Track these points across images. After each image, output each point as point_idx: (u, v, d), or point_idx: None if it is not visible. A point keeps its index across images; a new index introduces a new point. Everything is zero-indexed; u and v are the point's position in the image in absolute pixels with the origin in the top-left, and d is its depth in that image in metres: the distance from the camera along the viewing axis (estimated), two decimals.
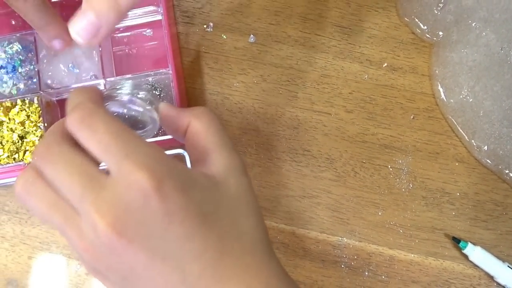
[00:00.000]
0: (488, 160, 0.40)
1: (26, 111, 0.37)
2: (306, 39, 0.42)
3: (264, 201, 0.41)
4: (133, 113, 0.28)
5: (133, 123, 0.28)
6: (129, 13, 0.34)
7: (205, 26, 0.43)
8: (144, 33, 0.42)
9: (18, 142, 0.36)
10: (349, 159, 0.41)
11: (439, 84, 0.41)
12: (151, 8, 0.40)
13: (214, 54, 0.42)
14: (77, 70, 0.40)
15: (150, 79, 0.40)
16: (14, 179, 0.38)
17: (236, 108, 0.42)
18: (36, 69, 0.39)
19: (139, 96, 0.28)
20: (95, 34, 0.27)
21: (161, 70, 0.39)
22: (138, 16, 0.40)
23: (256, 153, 0.41)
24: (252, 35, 0.43)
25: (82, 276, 0.40)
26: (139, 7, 0.40)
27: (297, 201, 0.41)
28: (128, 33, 0.42)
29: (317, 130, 0.41)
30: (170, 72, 0.38)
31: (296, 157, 0.41)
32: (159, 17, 0.40)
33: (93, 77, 0.40)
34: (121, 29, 0.41)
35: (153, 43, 0.42)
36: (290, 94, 0.42)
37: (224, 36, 0.43)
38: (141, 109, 0.28)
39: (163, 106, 0.28)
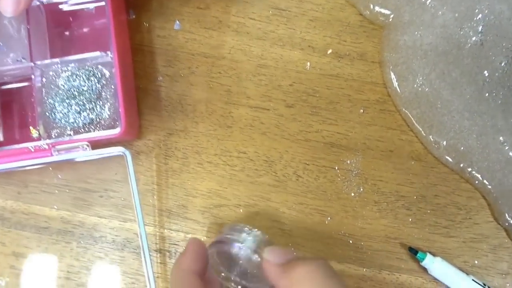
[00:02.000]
0: (448, 158, 0.35)
1: None
2: (240, 24, 0.37)
3: (194, 213, 0.35)
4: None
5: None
6: None
7: (131, 14, 0.37)
8: (86, 9, 0.36)
9: None
10: (290, 161, 0.36)
11: (391, 72, 0.36)
12: None
13: (137, 44, 0.37)
14: (5, 49, 0.34)
15: (88, 64, 0.34)
16: None
17: (161, 106, 0.36)
18: None
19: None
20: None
21: (103, 52, 0.33)
22: None
23: (183, 157, 0.36)
24: (177, 21, 0.37)
25: None
26: None
27: (231, 210, 0.35)
28: (69, 8, 0.36)
29: (253, 129, 0.36)
30: (111, 54, 0.33)
31: (230, 160, 0.36)
32: None
33: (21, 60, 0.34)
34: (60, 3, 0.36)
35: (98, 22, 0.36)
36: (223, 88, 0.36)
37: (146, 24, 0.37)
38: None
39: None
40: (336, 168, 0.36)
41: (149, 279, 0.33)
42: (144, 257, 0.33)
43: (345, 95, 0.36)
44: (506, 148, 0.34)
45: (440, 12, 0.35)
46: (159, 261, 0.35)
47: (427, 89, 0.35)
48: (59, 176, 0.36)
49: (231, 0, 0.37)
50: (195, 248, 0.30)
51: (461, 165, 0.34)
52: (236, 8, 0.37)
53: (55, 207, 0.36)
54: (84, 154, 0.33)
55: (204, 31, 0.37)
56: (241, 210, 0.35)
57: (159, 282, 0.35)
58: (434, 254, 0.34)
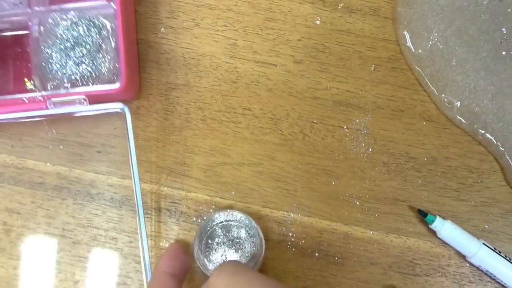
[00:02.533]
0: (461, 118, 0.33)
1: None
2: None
3: (196, 170, 0.34)
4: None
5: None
6: None
7: None
8: None
9: None
10: (297, 119, 0.34)
11: (404, 28, 0.34)
12: None
13: None
14: None
15: (88, 13, 0.32)
16: None
17: (163, 59, 0.35)
18: None
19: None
20: None
21: (104, 1, 0.31)
22: None
23: (185, 113, 0.34)
24: None
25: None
26: None
27: (235, 169, 0.34)
28: None
29: (259, 85, 0.35)
30: (114, 5, 0.31)
31: (234, 116, 0.34)
32: None
33: (17, 4, 0.33)
34: None
35: None
36: (228, 42, 0.35)
37: None
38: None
39: None
40: (345, 127, 0.34)
41: (141, 238, 0.32)
42: (139, 215, 0.32)
43: (356, 52, 0.35)
44: None
45: None
46: (158, 219, 0.34)
47: (441, 46, 0.33)
48: (54, 131, 0.34)
49: None
50: (172, 250, 0.31)
51: (475, 126, 0.33)
52: None
53: (50, 162, 0.34)
54: (81, 108, 0.32)
55: None
56: (244, 169, 0.34)
57: (157, 240, 0.34)
58: (443, 217, 0.33)
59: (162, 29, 0.35)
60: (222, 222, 0.32)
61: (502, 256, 0.32)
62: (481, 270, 0.33)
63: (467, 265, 0.33)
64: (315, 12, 0.35)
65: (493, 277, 0.32)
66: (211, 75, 0.35)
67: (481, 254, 0.32)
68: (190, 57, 0.35)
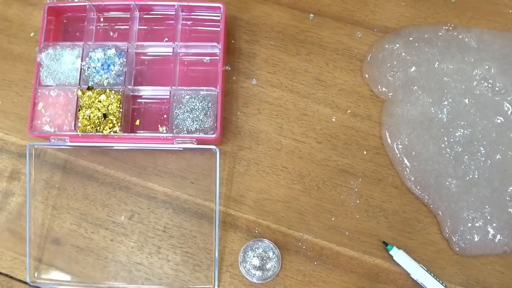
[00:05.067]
0: (415, 188, 0.54)
1: (111, 98, 0.52)
2: (294, 86, 0.58)
3: (249, 201, 0.55)
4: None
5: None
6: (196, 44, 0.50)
7: (227, 67, 0.58)
8: (204, 60, 0.57)
9: (101, 119, 0.52)
10: (315, 177, 0.56)
11: (385, 130, 0.56)
12: (214, 43, 0.55)
13: (227, 89, 0.58)
14: None
15: (202, 92, 0.54)
16: (92, 144, 0.54)
17: (237, 131, 0.57)
18: (124, 70, 0.54)
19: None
20: None
21: (211, 88, 0.54)
22: (202, 47, 0.56)
23: (246, 165, 0.56)
24: (254, 79, 0.58)
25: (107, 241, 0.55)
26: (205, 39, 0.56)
27: (273, 203, 0.55)
28: (193, 58, 0.57)
29: (293, 153, 0.56)
30: (217, 90, 0.53)
31: (276, 171, 0.56)
32: (216, 51, 0.55)
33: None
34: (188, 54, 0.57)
35: (206, 72, 0.57)
36: (277, 125, 0.57)
37: (234, 78, 0.58)
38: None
39: None
40: (343, 185, 0.55)
41: (216, 239, 0.52)
42: (215, 223, 0.53)
43: (355, 140, 0.56)
44: (452, 186, 0.53)
45: (421, 97, 0.55)
46: (223, 229, 0.55)
47: (407, 144, 0.55)
48: (167, 157, 0.56)
49: (290, 71, 0.58)
50: None
51: (422, 194, 0.54)
52: (292, 76, 0.58)
53: (161, 185, 0.56)
54: (192, 146, 0.53)
55: (270, 88, 0.58)
56: (279, 204, 0.55)
57: (221, 242, 0.54)
58: (398, 248, 0.53)
59: (238, 113, 0.57)
60: (256, 246, 0.53)
61: (432, 276, 0.52)
62: (419, 284, 0.52)
63: (411, 280, 0.53)
64: (332, 113, 0.57)
65: None
66: (265, 144, 0.57)
67: (419, 273, 0.52)
68: (253, 131, 0.57)
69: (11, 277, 0.55)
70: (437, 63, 0.56)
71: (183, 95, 0.54)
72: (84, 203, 0.56)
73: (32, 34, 0.61)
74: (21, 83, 0.59)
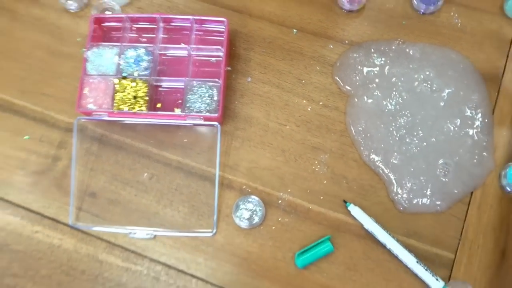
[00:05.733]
0: (369, 161, 0.71)
1: (139, 85, 0.70)
2: (279, 83, 0.75)
3: (243, 169, 0.72)
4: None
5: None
6: (205, 47, 0.67)
7: (228, 67, 0.75)
8: (211, 61, 0.74)
9: (132, 100, 0.69)
10: (293, 152, 0.72)
11: (348, 117, 0.73)
12: (219, 47, 0.73)
13: (227, 84, 0.75)
14: None
15: (209, 83, 0.71)
16: (123, 119, 0.70)
17: (235, 115, 0.74)
18: (150, 66, 0.71)
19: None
20: None
21: (216, 80, 0.71)
22: (210, 51, 0.73)
23: (241, 142, 0.73)
24: (249, 78, 0.75)
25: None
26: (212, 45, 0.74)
27: (261, 170, 0.72)
28: (203, 59, 0.75)
29: (277, 134, 0.73)
30: (220, 82, 0.71)
31: (263, 147, 0.73)
32: (221, 54, 0.73)
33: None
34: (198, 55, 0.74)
35: (212, 69, 0.74)
36: (266, 112, 0.74)
37: (233, 76, 0.76)
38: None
39: None
40: (315, 159, 0.72)
41: (215, 196, 0.69)
42: (216, 185, 0.69)
43: (325, 125, 0.73)
44: (396, 161, 0.70)
45: (375, 92, 0.72)
46: (221, 190, 0.71)
47: (364, 128, 0.72)
48: (180, 133, 0.73)
49: (277, 72, 0.75)
50: None
51: (375, 166, 0.71)
52: (279, 76, 0.75)
53: (174, 154, 0.72)
54: (200, 122, 0.70)
55: (261, 84, 0.75)
56: (266, 171, 0.72)
57: (219, 198, 0.71)
58: (354, 205, 0.69)
59: (236, 102, 0.74)
60: (246, 201, 0.69)
61: (380, 226, 0.68)
62: (370, 232, 0.68)
63: (364, 230, 0.69)
64: (308, 104, 0.74)
65: (374, 236, 0.68)
66: (255, 126, 0.73)
67: (370, 225, 0.68)
68: (247, 117, 0.74)
69: (57, 221, 0.71)
70: (388, 67, 0.73)
71: (194, 85, 0.71)
72: (115, 167, 0.72)
73: (78, 39, 0.78)
74: (69, 76, 0.77)
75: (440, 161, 0.69)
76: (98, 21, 0.75)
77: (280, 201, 0.70)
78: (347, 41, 0.77)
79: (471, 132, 0.70)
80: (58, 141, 0.74)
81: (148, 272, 0.68)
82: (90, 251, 0.70)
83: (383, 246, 0.67)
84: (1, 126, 0.75)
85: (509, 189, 0.68)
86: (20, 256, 0.70)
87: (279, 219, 0.70)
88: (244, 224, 0.68)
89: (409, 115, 0.71)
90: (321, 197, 0.70)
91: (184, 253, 0.69)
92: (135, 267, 0.69)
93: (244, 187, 0.71)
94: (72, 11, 0.80)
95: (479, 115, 0.71)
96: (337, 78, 0.75)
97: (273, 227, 0.69)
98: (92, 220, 0.70)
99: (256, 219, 0.68)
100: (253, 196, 0.69)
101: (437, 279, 0.64)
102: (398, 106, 0.72)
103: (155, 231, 0.69)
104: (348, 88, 0.74)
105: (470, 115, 0.71)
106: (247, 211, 0.69)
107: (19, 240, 0.70)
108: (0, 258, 0.70)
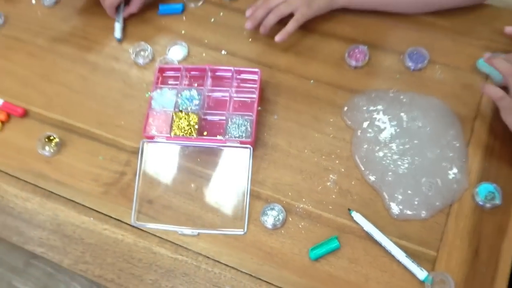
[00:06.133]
0: (369, 180, 0.90)
1: (192, 117, 0.92)
2: (298, 121, 0.96)
3: (269, 184, 0.91)
4: None
5: None
6: (243, 90, 0.90)
7: (259, 108, 0.97)
8: (247, 101, 0.96)
9: (186, 127, 0.90)
10: (309, 173, 0.92)
11: (353, 146, 0.93)
12: (253, 90, 0.95)
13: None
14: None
15: (245, 116, 0.92)
16: (182, 142, 0.91)
17: (263, 144, 0.94)
18: (200, 102, 0.93)
19: None
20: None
21: (250, 113, 0.92)
22: (246, 93, 0.95)
23: (268, 163, 0.93)
24: (276, 115, 0.97)
25: None
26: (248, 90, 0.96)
27: (283, 186, 0.91)
28: (241, 99, 0.97)
29: (296, 159, 0.93)
30: (253, 116, 0.92)
31: (285, 168, 0.92)
32: (254, 96, 0.95)
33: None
34: (238, 97, 0.96)
35: (248, 108, 0.96)
36: (288, 143, 0.94)
37: (263, 114, 0.97)
38: None
39: None
40: (326, 178, 0.91)
41: (247, 203, 0.88)
42: (247, 195, 0.89)
43: (335, 152, 0.93)
44: (390, 179, 0.88)
45: (375, 127, 0.93)
46: (251, 199, 0.90)
47: (365, 154, 0.91)
48: (220, 155, 0.93)
49: (298, 111, 0.97)
50: None
51: (373, 183, 0.89)
52: (298, 115, 0.96)
53: (215, 172, 0.92)
54: (237, 145, 0.91)
55: (285, 121, 0.96)
56: (286, 186, 0.91)
57: (250, 206, 0.89)
58: (356, 211, 0.87)
59: (265, 134, 0.95)
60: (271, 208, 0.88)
61: (377, 229, 0.85)
62: (369, 234, 0.85)
63: (364, 232, 0.86)
64: (321, 137, 0.94)
65: (372, 236, 0.85)
66: (280, 152, 0.93)
67: (369, 228, 0.85)
68: (273, 145, 0.94)
69: (121, 221, 0.90)
70: (384, 110, 0.94)
71: (233, 117, 0.93)
72: (169, 180, 0.93)
73: (144, 85, 1.02)
74: (135, 112, 0.99)
75: (425, 180, 0.88)
76: (162, 70, 0.99)
77: (298, 209, 0.89)
78: (353, 89, 0.98)
79: (449, 158, 0.89)
80: (125, 161, 0.95)
81: (192, 262, 0.86)
82: (146, 244, 0.88)
83: (379, 244, 0.84)
84: (82, 149, 0.97)
85: (480, 203, 0.85)
86: (91, 247, 0.89)
87: (297, 223, 0.88)
88: (269, 226, 0.87)
89: (400, 144, 0.91)
90: (330, 207, 0.89)
91: (220, 247, 0.87)
92: (182, 257, 0.87)
93: (269, 198, 0.90)
94: (140, 65, 1.04)
95: (456, 145, 0.90)
96: (345, 118, 0.95)
97: (292, 229, 0.87)
98: (149, 221, 0.90)
99: (278, 223, 0.87)
100: (276, 204, 0.88)
101: (421, 270, 0.81)
102: (391, 138, 0.92)
103: (198, 230, 0.88)
104: (353, 124, 0.94)
105: (448, 145, 0.90)
106: (271, 216, 0.87)
107: (91, 235, 0.90)
108: (76, 249, 0.89)
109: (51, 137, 0.97)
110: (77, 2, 1.14)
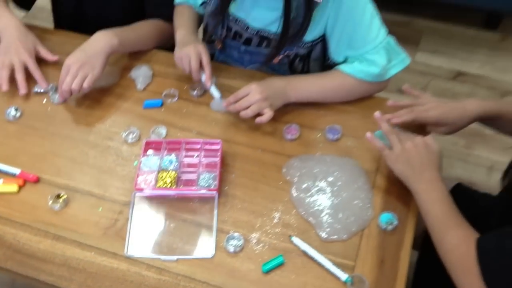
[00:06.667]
0: (304, 216, 1.22)
1: (171, 174, 1.23)
2: (253, 180, 1.30)
3: (230, 221, 1.21)
4: None
5: None
6: (210, 155, 1.24)
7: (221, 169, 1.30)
8: (213, 162, 1.30)
9: (167, 181, 1.22)
10: (260, 214, 1.23)
11: (292, 193, 1.26)
12: (217, 156, 1.29)
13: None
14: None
15: (211, 173, 1.25)
16: (161, 192, 1.21)
17: (224, 194, 1.27)
18: (177, 164, 1.26)
19: None
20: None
21: (215, 170, 1.26)
22: (211, 157, 1.29)
23: (229, 207, 1.24)
24: (233, 174, 1.30)
25: None
26: (213, 156, 1.30)
27: (241, 222, 1.22)
28: (208, 161, 1.30)
29: (252, 203, 1.25)
30: (217, 172, 1.25)
31: (244, 210, 1.24)
32: (217, 159, 1.29)
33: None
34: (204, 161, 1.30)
35: (213, 167, 1.29)
36: (244, 192, 1.27)
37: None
38: None
39: None
40: (271, 217, 1.23)
41: (214, 235, 1.18)
42: (214, 230, 1.19)
43: (280, 198, 1.26)
44: (323, 214, 1.21)
45: (306, 179, 1.27)
46: (217, 233, 1.20)
47: (301, 197, 1.24)
48: (193, 200, 1.24)
49: (252, 173, 1.31)
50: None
51: (307, 218, 1.21)
52: (252, 176, 1.30)
53: (189, 214, 1.23)
54: (206, 192, 1.23)
55: (242, 178, 1.29)
56: (245, 223, 1.21)
57: (217, 238, 1.19)
58: (296, 236, 1.18)
59: (226, 187, 1.28)
60: (233, 237, 1.18)
61: (313, 249, 1.15)
62: (307, 253, 1.15)
63: (302, 251, 1.16)
64: (268, 188, 1.28)
65: (307, 253, 1.15)
66: (238, 199, 1.26)
67: (306, 248, 1.16)
68: (231, 194, 1.26)
69: (116, 253, 1.17)
70: (313, 167, 1.29)
71: (202, 173, 1.26)
72: (153, 221, 1.22)
73: (133, 157, 1.34)
74: (127, 176, 1.30)
75: (344, 213, 1.21)
76: (148, 143, 1.32)
77: (252, 238, 1.19)
78: (289, 155, 1.34)
79: (360, 197, 1.23)
80: (119, 211, 1.24)
81: (173, 281, 1.13)
82: (136, 270, 1.15)
83: (313, 259, 1.14)
84: (84, 203, 1.26)
85: (383, 227, 1.19)
86: (92, 275, 1.15)
87: (252, 247, 1.17)
88: (231, 250, 1.16)
89: (324, 189, 1.25)
90: (276, 235, 1.19)
91: (195, 268, 1.14)
92: (165, 278, 1.14)
93: (230, 230, 1.20)
94: (129, 142, 1.38)
95: (365, 188, 1.25)
96: (284, 174, 1.30)
97: (248, 252, 1.16)
98: (138, 252, 1.17)
99: (238, 248, 1.16)
100: (236, 235, 1.18)
101: (344, 273, 1.11)
102: (319, 185, 1.26)
103: (177, 256, 1.16)
104: (291, 179, 1.29)
105: (359, 189, 1.25)
106: (232, 245, 1.17)
107: (92, 266, 1.16)
108: (80, 276, 1.15)
109: (60, 195, 1.26)
110: (77, 102, 1.49)
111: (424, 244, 1.44)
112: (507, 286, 1.01)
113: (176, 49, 1.44)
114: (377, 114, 1.28)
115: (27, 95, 1.48)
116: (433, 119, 1.29)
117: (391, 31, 1.39)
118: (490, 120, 1.28)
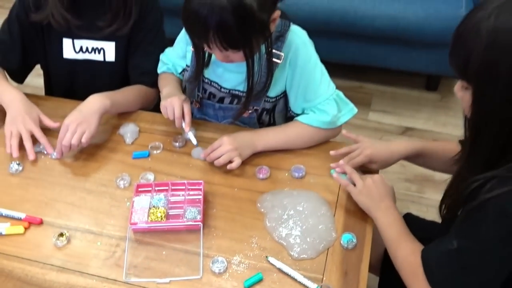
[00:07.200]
0: (278, 240, 1.42)
1: (161, 210, 1.43)
2: (232, 213, 1.50)
3: (215, 247, 1.40)
4: None
5: None
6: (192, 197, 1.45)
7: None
8: (196, 199, 1.50)
9: (158, 216, 1.41)
10: (242, 240, 1.43)
11: (265, 222, 1.47)
12: (199, 194, 1.50)
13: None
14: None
15: (196, 207, 1.45)
16: (154, 225, 1.40)
17: (206, 226, 1.46)
18: (166, 202, 1.45)
19: None
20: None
21: (199, 204, 1.45)
22: (195, 195, 1.50)
23: (214, 237, 1.44)
24: (214, 209, 1.51)
25: None
26: (196, 194, 1.50)
27: (225, 248, 1.41)
28: (192, 198, 1.50)
29: (233, 233, 1.45)
30: (201, 207, 1.45)
31: (227, 238, 1.43)
32: (200, 197, 1.49)
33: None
34: (190, 199, 1.50)
35: (197, 202, 1.49)
36: (226, 223, 1.47)
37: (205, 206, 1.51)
38: None
39: None
40: (251, 242, 1.43)
41: (201, 259, 1.36)
42: (200, 255, 1.37)
43: (256, 225, 1.46)
44: (293, 236, 1.42)
45: (270, 211, 1.49)
46: (203, 257, 1.38)
47: (274, 225, 1.45)
48: (181, 231, 1.43)
49: (232, 207, 1.51)
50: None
51: (280, 241, 1.42)
52: (231, 208, 1.51)
53: (179, 243, 1.41)
54: (192, 223, 1.42)
55: (223, 212, 1.50)
56: (229, 249, 1.40)
57: (203, 261, 1.37)
58: (272, 257, 1.37)
59: (209, 220, 1.48)
60: (217, 260, 1.37)
61: (287, 266, 1.35)
62: (282, 270, 1.35)
63: (277, 269, 1.35)
64: (244, 218, 1.48)
65: (282, 270, 1.34)
66: (224, 230, 1.45)
67: (280, 266, 1.35)
68: (214, 228, 1.46)
69: (115, 280, 1.34)
70: (282, 199, 1.51)
71: (188, 208, 1.46)
72: (149, 253, 1.40)
73: (125, 199, 1.54)
74: (121, 214, 1.49)
75: (311, 236, 1.42)
76: (138, 186, 1.52)
77: (234, 260, 1.38)
78: (262, 191, 1.55)
79: (324, 223, 1.45)
80: (116, 244, 1.42)
81: None
82: None
83: (287, 275, 1.34)
84: (85, 239, 1.43)
85: (345, 246, 1.40)
86: None
87: (234, 268, 1.36)
88: (216, 271, 1.34)
89: (293, 217, 1.47)
90: (255, 256, 1.38)
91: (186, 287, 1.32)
92: None
93: (215, 255, 1.39)
94: (121, 187, 1.57)
95: (327, 215, 1.47)
96: (259, 207, 1.51)
97: (232, 272, 1.35)
98: (135, 277, 1.34)
99: (222, 269, 1.35)
100: (220, 258, 1.37)
101: (313, 283, 1.31)
102: (287, 214, 1.47)
103: (170, 279, 1.34)
104: (265, 210, 1.50)
105: (323, 216, 1.47)
106: (217, 266, 1.35)
107: None
108: None
109: (63, 233, 1.43)
110: (74, 157, 1.69)
111: (383, 268, 1.65)
112: (449, 284, 1.22)
113: (162, 101, 1.68)
114: (340, 162, 1.54)
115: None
116: (367, 157, 1.55)
117: (346, 95, 1.68)
118: (415, 158, 1.57)
